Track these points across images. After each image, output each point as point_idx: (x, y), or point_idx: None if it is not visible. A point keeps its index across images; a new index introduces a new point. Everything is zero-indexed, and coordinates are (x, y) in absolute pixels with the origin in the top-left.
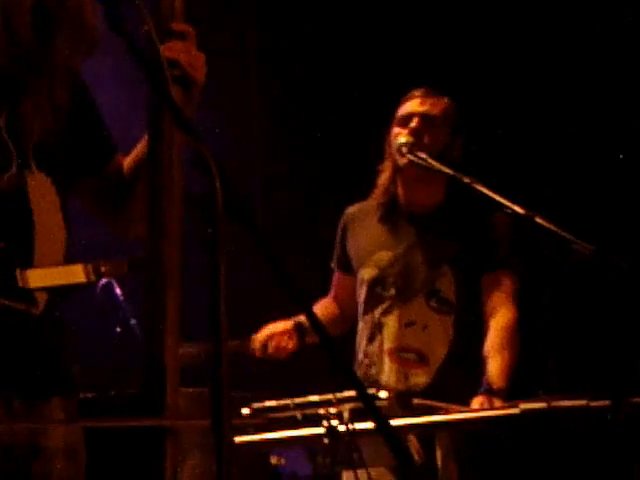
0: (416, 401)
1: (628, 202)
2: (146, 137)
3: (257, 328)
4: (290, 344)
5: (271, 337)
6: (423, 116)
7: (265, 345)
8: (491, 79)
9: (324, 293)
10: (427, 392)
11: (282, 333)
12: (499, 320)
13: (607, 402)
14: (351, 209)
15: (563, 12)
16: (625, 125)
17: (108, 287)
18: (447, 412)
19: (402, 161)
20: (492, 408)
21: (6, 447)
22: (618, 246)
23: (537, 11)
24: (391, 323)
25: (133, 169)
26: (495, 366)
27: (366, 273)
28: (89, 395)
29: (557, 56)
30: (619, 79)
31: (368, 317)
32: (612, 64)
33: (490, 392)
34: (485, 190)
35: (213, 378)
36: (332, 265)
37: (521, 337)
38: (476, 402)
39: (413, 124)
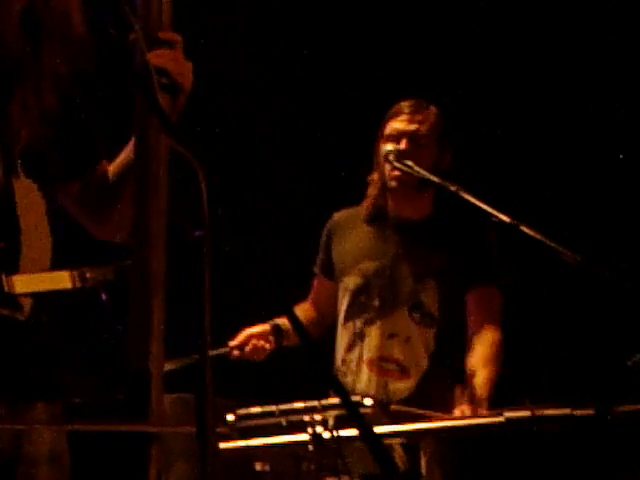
0: (394, 407)
1: (619, 209)
2: (131, 143)
3: (233, 335)
4: (267, 345)
5: (248, 339)
6: (412, 136)
7: (242, 347)
8: (482, 85)
9: (303, 297)
10: (407, 403)
11: (259, 335)
12: (484, 337)
13: (591, 411)
14: (338, 215)
15: (560, 13)
16: (618, 130)
17: (94, 292)
18: (429, 420)
19: (389, 171)
20: (476, 416)
21: None
22: (613, 250)
23: (534, 13)
24: (373, 333)
25: (118, 175)
26: (479, 379)
27: (351, 281)
28: (75, 400)
29: (552, 62)
30: (612, 84)
31: (349, 325)
32: (609, 67)
33: (473, 401)
34: (471, 199)
35: (198, 384)
36: (314, 269)
37: (506, 349)
38: (459, 410)
39: (402, 145)
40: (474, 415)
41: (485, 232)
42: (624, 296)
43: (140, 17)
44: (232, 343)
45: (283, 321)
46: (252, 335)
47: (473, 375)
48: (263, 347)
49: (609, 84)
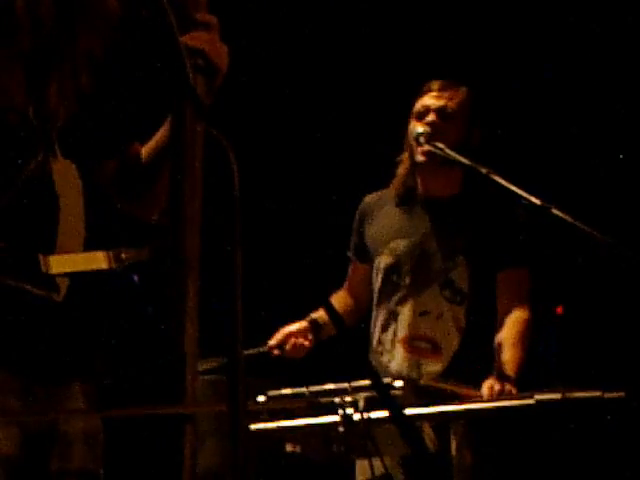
0: (423, 382)
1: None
2: (167, 124)
3: (270, 334)
4: (306, 342)
5: (287, 337)
6: (439, 111)
7: (282, 346)
8: (516, 70)
9: (339, 285)
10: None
11: (297, 332)
12: (513, 317)
13: (622, 393)
14: (369, 198)
15: (570, 10)
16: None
17: (127, 273)
18: (459, 402)
19: (420, 151)
20: (505, 393)
21: (26, 432)
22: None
23: (546, 8)
24: (406, 312)
25: (154, 155)
26: (507, 356)
27: (382, 261)
28: (108, 381)
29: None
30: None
31: (383, 305)
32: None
33: (502, 377)
34: (502, 181)
35: (230, 363)
36: (349, 254)
37: (534, 331)
38: (487, 384)
39: (430, 118)
40: (502, 390)
41: (515, 213)
42: None
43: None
44: (271, 342)
45: (320, 314)
46: (291, 333)
47: (501, 353)
48: (302, 345)
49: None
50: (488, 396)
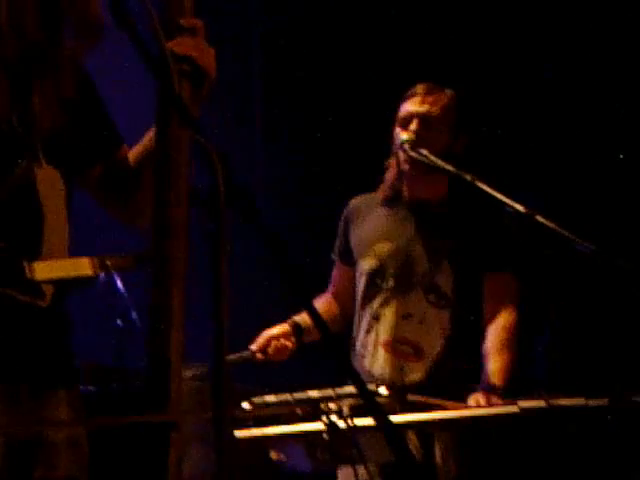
0: (410, 397)
1: (631, 201)
2: (153, 129)
3: (253, 338)
4: (289, 344)
5: (269, 340)
6: (423, 117)
7: (264, 349)
8: (493, 76)
9: (322, 288)
10: (422, 386)
11: (280, 335)
12: (499, 322)
13: (605, 401)
14: (354, 201)
15: (566, 10)
16: (627, 124)
17: (109, 280)
18: (444, 409)
19: (404, 158)
20: (490, 405)
21: (11, 437)
22: (619, 244)
23: (541, 9)
24: (388, 315)
25: (140, 160)
26: (495, 365)
27: (366, 263)
28: (91, 388)
29: (563, 51)
30: (620, 78)
31: (366, 308)
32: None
33: (489, 389)
34: (486, 188)
35: (214, 371)
36: (333, 257)
37: (520, 337)
38: (473, 398)
39: (413, 126)
40: (488, 404)
41: (500, 218)
42: (638, 286)
43: (161, 4)
44: (253, 347)
45: (302, 317)
46: (273, 336)
47: (488, 361)
48: (285, 347)
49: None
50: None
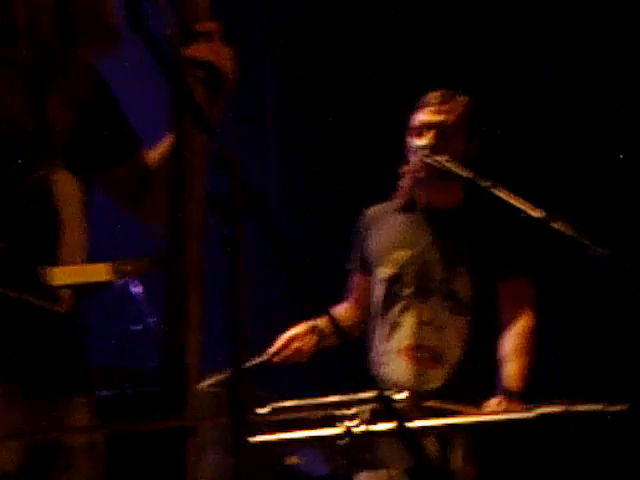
0: (429, 403)
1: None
2: (171, 134)
3: (273, 339)
4: (308, 346)
5: (288, 342)
6: (438, 128)
7: (284, 350)
8: (493, 76)
9: (341, 295)
10: (441, 392)
11: (299, 336)
12: (517, 327)
13: (624, 406)
14: (371, 210)
15: (567, 11)
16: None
17: (125, 285)
18: (463, 414)
19: (420, 166)
20: (508, 411)
21: (29, 445)
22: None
23: (543, 10)
24: (407, 322)
25: (158, 163)
26: (513, 369)
27: (384, 272)
28: (107, 393)
29: (576, 51)
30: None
31: (385, 316)
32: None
33: (507, 394)
34: (502, 194)
35: (233, 376)
36: (349, 267)
37: (538, 342)
38: (492, 403)
39: (429, 137)
40: (505, 409)
41: (516, 224)
42: None
43: (177, 9)
44: (272, 350)
45: (320, 321)
46: (292, 337)
47: (506, 365)
48: (304, 349)
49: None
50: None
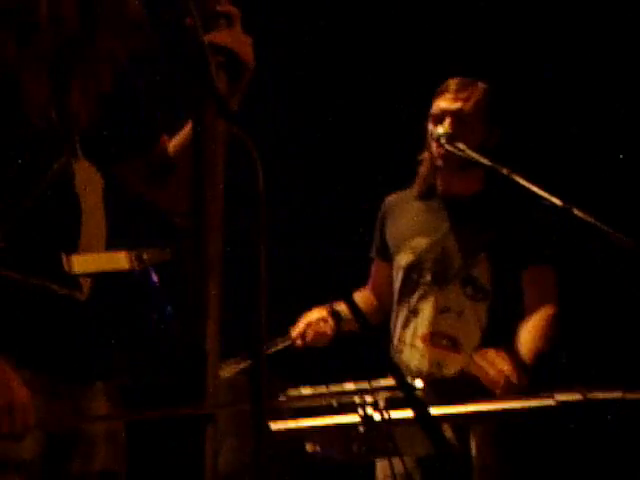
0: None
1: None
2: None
3: (293, 322)
4: (328, 330)
5: (309, 325)
6: (456, 115)
7: (304, 334)
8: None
9: (361, 284)
10: (459, 378)
11: (319, 320)
12: (537, 313)
13: None
14: (390, 197)
15: (574, 9)
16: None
17: (144, 274)
18: (480, 402)
19: (438, 153)
20: (523, 395)
21: (49, 432)
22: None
23: (551, 9)
24: (426, 309)
25: (179, 151)
26: (527, 348)
27: (402, 259)
28: (126, 381)
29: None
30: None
31: (404, 302)
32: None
33: (516, 366)
34: (523, 181)
35: (253, 363)
36: (371, 254)
37: (559, 331)
38: (491, 352)
39: (446, 124)
40: (498, 357)
41: (537, 211)
42: None
43: None
44: (294, 333)
45: (341, 307)
46: (312, 321)
47: (521, 344)
48: (325, 332)
49: None
50: (478, 359)
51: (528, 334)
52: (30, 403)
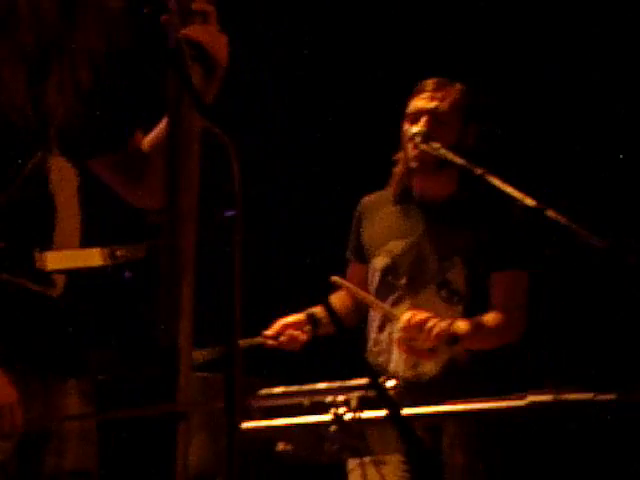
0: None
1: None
2: (166, 118)
3: (267, 325)
4: (303, 335)
5: (284, 329)
6: (432, 114)
7: (277, 337)
8: (493, 74)
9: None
10: (435, 382)
11: (294, 324)
12: (491, 315)
13: (614, 395)
14: (367, 199)
15: (569, 9)
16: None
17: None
18: (451, 402)
19: (413, 154)
20: (497, 398)
21: (24, 429)
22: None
23: (544, 8)
24: (402, 312)
25: (154, 147)
26: (472, 321)
27: (378, 262)
28: (103, 377)
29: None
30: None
31: None
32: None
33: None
34: (497, 182)
35: (226, 362)
36: (347, 255)
37: (529, 332)
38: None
39: (422, 123)
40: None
41: (512, 214)
42: None
43: None
44: (267, 333)
45: (318, 310)
46: (287, 325)
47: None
48: (299, 337)
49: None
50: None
51: (481, 320)
52: (17, 403)
